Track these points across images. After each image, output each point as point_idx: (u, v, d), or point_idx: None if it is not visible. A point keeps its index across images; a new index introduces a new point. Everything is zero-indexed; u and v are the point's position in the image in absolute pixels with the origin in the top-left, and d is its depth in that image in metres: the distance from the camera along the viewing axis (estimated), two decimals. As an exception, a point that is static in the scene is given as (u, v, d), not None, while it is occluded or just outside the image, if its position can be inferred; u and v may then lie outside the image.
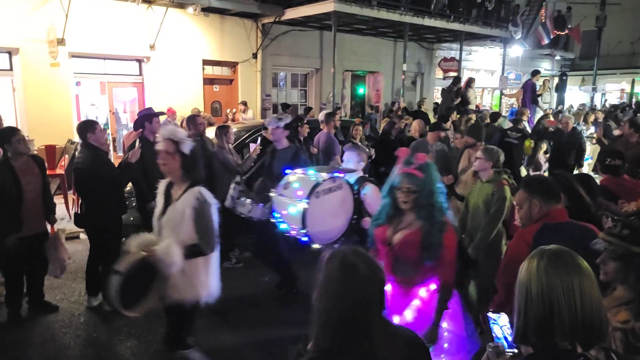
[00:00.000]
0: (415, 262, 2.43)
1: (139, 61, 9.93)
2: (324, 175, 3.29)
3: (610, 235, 1.80)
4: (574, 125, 7.65)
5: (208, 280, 2.74)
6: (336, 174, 3.39)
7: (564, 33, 17.74)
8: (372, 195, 3.38)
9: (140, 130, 4.86)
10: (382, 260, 2.47)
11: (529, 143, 7.49)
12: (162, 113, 5.15)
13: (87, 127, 4.11)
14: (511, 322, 1.58)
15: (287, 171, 3.48)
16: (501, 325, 1.59)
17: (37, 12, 8.26)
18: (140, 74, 10.03)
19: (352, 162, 3.66)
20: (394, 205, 2.50)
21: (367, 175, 3.61)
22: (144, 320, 4.09)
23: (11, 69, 8.47)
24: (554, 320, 1.29)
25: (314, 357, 1.35)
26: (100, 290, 4.32)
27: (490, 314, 1.60)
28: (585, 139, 8.38)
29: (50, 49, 8.35)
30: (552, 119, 9.16)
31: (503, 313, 1.61)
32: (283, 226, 3.34)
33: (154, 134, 4.84)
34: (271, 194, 3.47)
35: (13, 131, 3.98)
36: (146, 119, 4.81)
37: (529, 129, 9.71)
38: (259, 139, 5.67)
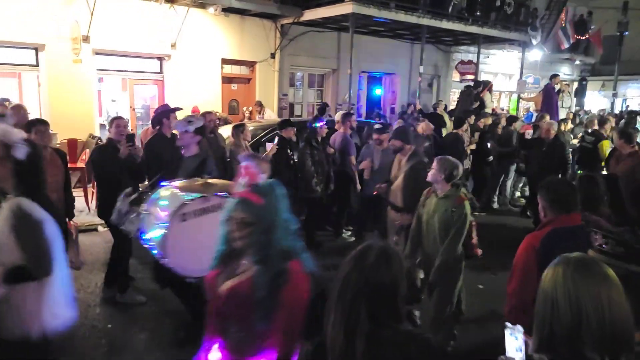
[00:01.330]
0: (245, 323, 1.79)
1: (160, 59, 10.12)
2: (207, 192, 2.72)
3: (602, 254, 1.73)
4: (557, 134, 6.84)
5: (42, 310, 2.17)
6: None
7: (584, 38, 17.48)
8: None
9: (158, 127, 4.98)
10: (210, 317, 1.92)
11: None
12: (179, 109, 5.26)
13: (111, 122, 4.26)
14: (527, 334, 1.53)
15: (164, 183, 2.89)
16: (516, 337, 1.53)
17: (64, 9, 8.50)
18: (161, 72, 10.22)
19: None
20: (229, 241, 1.87)
21: None
22: (158, 314, 4.21)
23: (37, 65, 8.73)
24: (582, 331, 1.25)
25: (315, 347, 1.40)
26: (117, 282, 4.44)
27: (507, 324, 1.55)
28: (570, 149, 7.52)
29: (74, 45, 8.57)
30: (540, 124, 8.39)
31: (519, 325, 1.55)
32: (154, 250, 2.87)
33: (171, 129, 4.97)
34: (141, 210, 3.00)
35: (33, 123, 4.06)
36: (163, 115, 4.89)
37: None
38: (276, 138, 5.76)
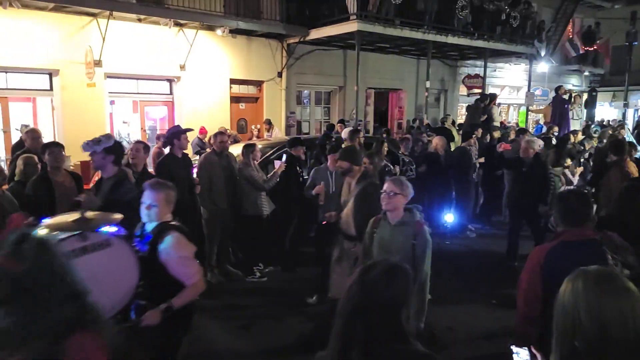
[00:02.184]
0: None
1: (170, 81, 10.33)
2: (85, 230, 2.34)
3: None
4: (537, 151, 5.99)
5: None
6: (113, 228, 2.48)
7: (592, 49, 17.45)
8: (173, 250, 2.49)
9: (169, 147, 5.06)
10: None
11: None
12: (190, 130, 5.34)
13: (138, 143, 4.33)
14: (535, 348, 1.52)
15: (45, 220, 2.50)
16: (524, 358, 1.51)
17: (77, 35, 8.75)
18: (171, 93, 10.42)
19: (158, 206, 2.61)
20: None
21: (171, 222, 2.62)
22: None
23: (51, 89, 8.96)
24: (607, 345, 1.23)
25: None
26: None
27: (513, 347, 1.54)
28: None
29: (87, 70, 8.79)
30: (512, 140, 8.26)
31: (524, 348, 1.54)
32: None
33: (182, 150, 5.05)
34: None
35: (47, 145, 4.24)
36: (175, 136, 4.98)
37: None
38: (284, 155, 5.79)
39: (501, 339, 4.02)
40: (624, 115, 18.67)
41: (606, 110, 20.92)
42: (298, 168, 5.74)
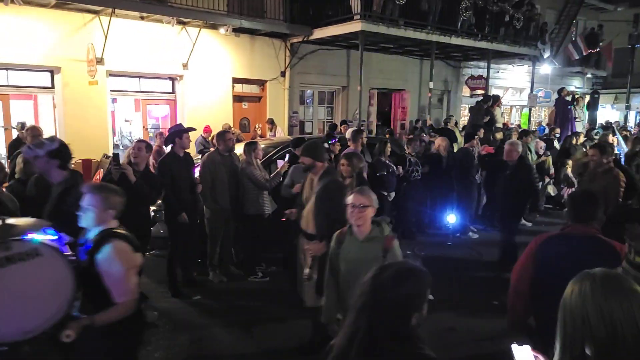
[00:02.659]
0: None
1: (172, 79, 10.30)
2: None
3: (628, 263, 1.69)
4: (521, 155, 5.68)
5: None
6: (41, 234, 2.28)
7: (595, 51, 17.41)
8: (109, 261, 2.29)
9: (171, 145, 5.03)
10: None
11: None
12: (192, 129, 5.31)
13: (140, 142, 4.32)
14: (541, 352, 1.49)
15: None
16: (526, 356, 1.48)
17: (79, 32, 8.72)
18: (173, 92, 10.39)
19: (94, 210, 2.40)
20: None
21: (114, 229, 2.43)
22: (170, 331, 4.20)
23: (52, 87, 8.93)
24: (617, 348, 1.21)
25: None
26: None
27: (513, 347, 1.50)
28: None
29: (89, 67, 8.77)
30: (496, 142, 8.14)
31: (527, 345, 1.50)
32: None
33: (184, 149, 5.02)
34: None
35: None
36: (176, 135, 4.95)
37: (558, 147, 9.53)
38: (287, 155, 5.76)
39: (503, 340, 3.99)
40: (625, 117, 18.64)
41: (608, 113, 20.88)
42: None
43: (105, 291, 2.30)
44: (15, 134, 7.50)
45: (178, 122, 8.77)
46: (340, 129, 9.66)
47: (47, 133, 6.93)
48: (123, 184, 3.92)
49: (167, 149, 5.37)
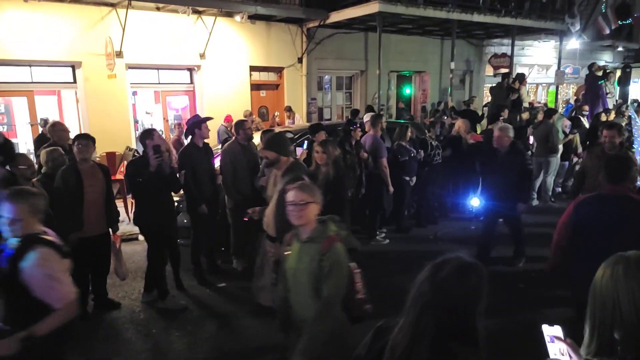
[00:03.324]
0: None
1: (190, 70, 10.33)
2: None
3: None
4: (513, 140, 5.14)
5: None
6: None
7: (627, 22, 16.57)
8: (38, 268, 2.15)
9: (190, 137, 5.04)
10: None
11: None
12: (210, 118, 5.31)
13: (145, 135, 4.34)
14: (569, 335, 1.45)
15: None
16: (557, 338, 1.45)
17: (97, 27, 8.80)
18: (192, 82, 10.43)
19: (20, 221, 2.23)
20: None
21: (39, 234, 2.27)
22: (199, 318, 4.28)
23: (75, 82, 9.08)
24: None
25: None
26: (154, 288, 4.54)
27: (544, 327, 1.47)
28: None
29: (108, 61, 8.87)
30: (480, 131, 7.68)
31: (557, 325, 1.48)
32: None
33: (203, 139, 5.03)
34: None
35: (76, 138, 4.29)
36: (195, 126, 4.97)
37: (587, 125, 9.16)
38: (305, 142, 5.71)
39: (528, 316, 3.99)
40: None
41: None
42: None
43: (35, 300, 2.15)
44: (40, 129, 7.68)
45: (196, 113, 8.82)
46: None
47: (71, 128, 7.08)
48: (158, 174, 4.16)
49: (187, 140, 5.39)
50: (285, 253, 2.53)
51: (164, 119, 10.35)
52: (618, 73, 17.91)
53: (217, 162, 5.52)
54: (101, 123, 8.87)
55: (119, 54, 8.84)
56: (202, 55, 9.98)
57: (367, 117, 7.00)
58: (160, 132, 9.86)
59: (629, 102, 12.68)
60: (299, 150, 5.56)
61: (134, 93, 10.00)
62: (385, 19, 10.15)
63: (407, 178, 6.43)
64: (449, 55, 11.57)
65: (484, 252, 5.31)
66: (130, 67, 9.36)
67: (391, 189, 6.11)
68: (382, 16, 9.86)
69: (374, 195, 6.18)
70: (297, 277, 2.40)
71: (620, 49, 18.40)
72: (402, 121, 8.76)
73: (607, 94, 11.03)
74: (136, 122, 9.80)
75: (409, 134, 6.51)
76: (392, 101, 13.54)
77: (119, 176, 7.67)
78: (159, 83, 10.16)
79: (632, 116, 8.20)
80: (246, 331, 4.07)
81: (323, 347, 2.26)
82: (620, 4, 16.31)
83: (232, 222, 5.27)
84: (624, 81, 17.04)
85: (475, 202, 6.93)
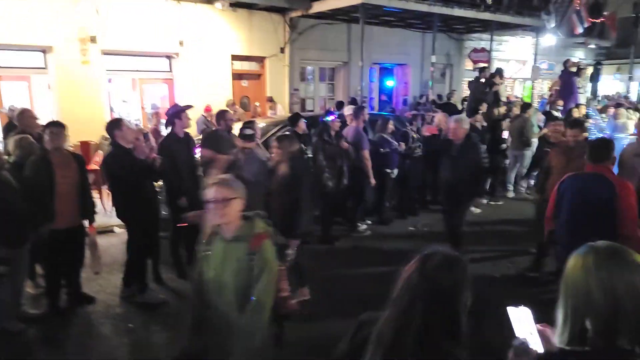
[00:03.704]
0: None
1: (169, 57, 10.07)
2: None
3: None
4: (469, 133, 4.91)
5: None
6: None
7: (599, 21, 17.01)
8: None
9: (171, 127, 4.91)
10: None
11: None
12: (190, 106, 5.18)
13: (113, 126, 4.20)
14: (537, 318, 1.48)
15: None
16: (524, 319, 1.48)
17: (69, 10, 8.44)
18: (170, 70, 10.18)
19: None
20: None
21: None
22: (178, 311, 4.19)
23: (46, 68, 8.72)
24: (619, 322, 1.21)
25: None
26: (133, 282, 4.43)
27: (509, 309, 1.50)
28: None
29: (82, 47, 8.54)
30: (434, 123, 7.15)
31: (523, 306, 1.50)
32: None
33: (184, 129, 4.91)
34: None
35: (47, 125, 4.11)
36: (175, 116, 4.85)
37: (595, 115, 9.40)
38: (288, 133, 5.65)
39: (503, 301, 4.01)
40: (628, 88, 18.40)
41: (610, 84, 20.60)
42: (302, 145, 5.61)
43: None
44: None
45: (176, 103, 8.61)
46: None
47: (42, 116, 6.80)
48: (140, 164, 4.11)
49: (167, 130, 5.26)
50: (204, 254, 2.31)
51: (142, 107, 10.07)
52: (590, 70, 18.44)
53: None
54: (74, 111, 8.56)
55: (93, 40, 8.53)
56: (181, 43, 9.73)
57: (349, 109, 6.98)
58: (138, 121, 9.63)
59: (599, 98, 13.06)
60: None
61: (110, 80, 9.68)
62: (368, 10, 10.11)
63: (389, 170, 6.46)
64: (430, 49, 11.64)
65: (457, 242, 4.87)
66: (105, 53, 9.04)
67: (373, 180, 6.14)
68: (364, 8, 9.81)
69: (356, 187, 6.19)
70: (221, 279, 2.20)
71: (592, 46, 18.91)
72: (385, 113, 8.78)
73: (578, 89, 11.32)
74: (112, 110, 9.50)
75: (390, 126, 6.53)
76: (374, 93, 13.56)
77: (94, 166, 7.44)
78: (136, 70, 9.87)
79: (590, 113, 8.55)
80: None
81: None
82: (593, 2, 16.71)
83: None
84: (595, 77, 17.55)
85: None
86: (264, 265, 2.15)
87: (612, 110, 10.24)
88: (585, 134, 4.78)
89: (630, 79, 18.26)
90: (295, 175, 4.00)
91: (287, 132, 5.63)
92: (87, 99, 8.77)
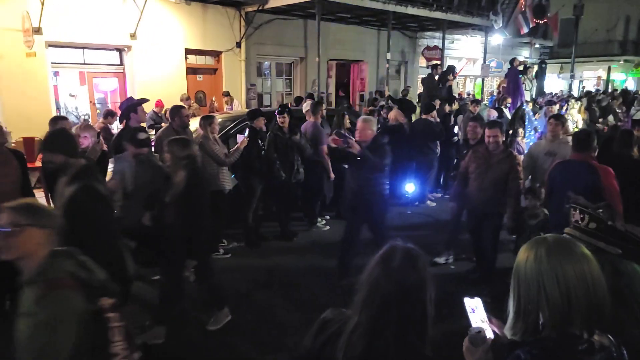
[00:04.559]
0: None
1: (120, 50, 9.72)
2: None
3: (576, 229, 1.75)
4: (377, 135, 4.41)
5: None
6: None
7: (542, 22, 17.99)
8: None
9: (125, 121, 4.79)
10: None
11: None
12: (146, 100, 5.06)
13: (53, 123, 4.06)
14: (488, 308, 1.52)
15: None
16: (478, 309, 1.50)
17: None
18: (122, 64, 9.83)
19: None
20: None
21: None
22: (131, 312, 4.07)
23: (-15, 59, 8.19)
24: (572, 310, 1.24)
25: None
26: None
27: (465, 300, 1.51)
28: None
29: (25, 38, 8.08)
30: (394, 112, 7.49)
31: (477, 297, 1.52)
32: None
33: (140, 123, 4.79)
34: None
35: None
36: (131, 109, 4.74)
37: (509, 116, 9.89)
38: (247, 130, 5.62)
39: (458, 297, 4.18)
40: (570, 86, 19.59)
41: (554, 82, 21.85)
42: (260, 141, 5.61)
43: None
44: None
45: (130, 96, 8.34)
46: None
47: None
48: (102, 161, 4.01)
49: (121, 125, 5.11)
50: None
51: (91, 102, 9.67)
52: (535, 68, 19.47)
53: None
54: (17, 105, 8.11)
55: (38, 31, 8.09)
56: (132, 36, 9.41)
57: (306, 105, 7.03)
58: (87, 116, 9.25)
59: (546, 96, 13.85)
60: (240, 138, 5.45)
61: (56, 74, 9.22)
62: (324, 6, 10.19)
63: (347, 166, 6.55)
64: (386, 46, 11.90)
65: (344, 266, 4.45)
66: (50, 45, 8.61)
67: (332, 175, 6.22)
68: (320, 4, 9.88)
69: (314, 182, 6.26)
70: (18, 328, 1.67)
71: (537, 45, 19.97)
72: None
73: (522, 84, 11.93)
74: (58, 105, 9.06)
75: (347, 121, 6.63)
76: (331, 89, 13.68)
77: (39, 163, 7.09)
78: (85, 63, 9.46)
79: (525, 109, 9.11)
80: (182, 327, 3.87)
81: None
82: (537, 4, 17.64)
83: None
84: (540, 75, 18.54)
85: (410, 188, 7.28)
86: (44, 323, 1.56)
87: (545, 109, 10.88)
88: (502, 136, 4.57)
89: (572, 77, 19.43)
90: (189, 186, 3.42)
91: (247, 129, 5.61)
92: (31, 93, 8.32)
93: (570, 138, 4.76)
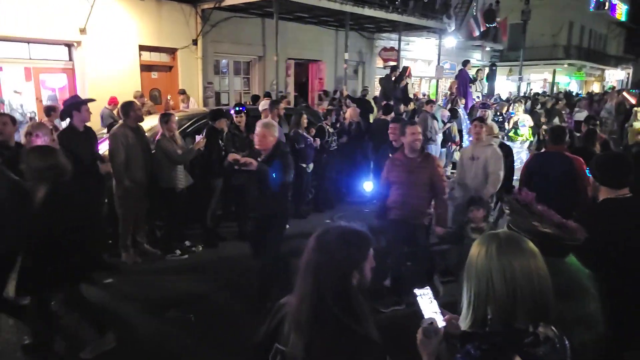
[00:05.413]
0: None
1: (69, 46, 9.30)
2: None
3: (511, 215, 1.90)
4: (279, 142, 4.00)
5: None
6: None
7: (493, 26, 18.81)
8: None
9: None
10: None
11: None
12: (91, 100, 4.91)
13: None
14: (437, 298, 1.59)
15: None
16: (429, 299, 1.55)
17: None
18: (70, 60, 9.41)
19: None
20: None
21: None
22: (78, 319, 3.90)
23: None
24: (517, 305, 1.30)
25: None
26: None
27: (415, 290, 1.57)
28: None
29: (-37, 30, 7.60)
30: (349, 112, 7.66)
31: (427, 287, 1.58)
32: None
33: (84, 122, 4.65)
34: None
35: None
36: (73, 107, 4.59)
37: (462, 115, 10.30)
38: (205, 129, 5.56)
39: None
40: (518, 88, 20.62)
41: (503, 84, 22.89)
42: (220, 141, 5.57)
43: None
44: None
45: (75, 94, 8.01)
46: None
47: None
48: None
49: (64, 123, 4.93)
50: None
51: (37, 98, 9.20)
52: (486, 70, 20.32)
53: (102, 148, 5.15)
54: (-45, 102, 7.60)
55: (-23, 23, 7.62)
56: (82, 30, 9.03)
57: (263, 104, 7.04)
58: (33, 114, 8.79)
59: (494, 97, 14.49)
60: (197, 138, 5.37)
61: (-1, 69, 8.72)
62: (281, 5, 10.18)
63: (304, 165, 6.63)
64: (343, 46, 12.05)
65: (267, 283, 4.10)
66: (-9, 39, 8.13)
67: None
68: (278, 2, 9.87)
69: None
70: None
71: (488, 48, 20.85)
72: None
73: (471, 86, 12.41)
74: (2, 102, 8.56)
75: (304, 121, 6.69)
76: (290, 88, 13.68)
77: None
78: (30, 59, 8.98)
79: (463, 112, 9.57)
80: (137, 331, 3.80)
81: None
82: (487, 9, 18.41)
83: (121, 211, 4.97)
84: (491, 78, 19.37)
85: (368, 186, 7.44)
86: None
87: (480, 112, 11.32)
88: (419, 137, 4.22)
89: (520, 79, 20.44)
90: (51, 203, 2.86)
91: (205, 128, 5.54)
92: (-30, 90, 7.82)
93: (494, 140, 5.13)
